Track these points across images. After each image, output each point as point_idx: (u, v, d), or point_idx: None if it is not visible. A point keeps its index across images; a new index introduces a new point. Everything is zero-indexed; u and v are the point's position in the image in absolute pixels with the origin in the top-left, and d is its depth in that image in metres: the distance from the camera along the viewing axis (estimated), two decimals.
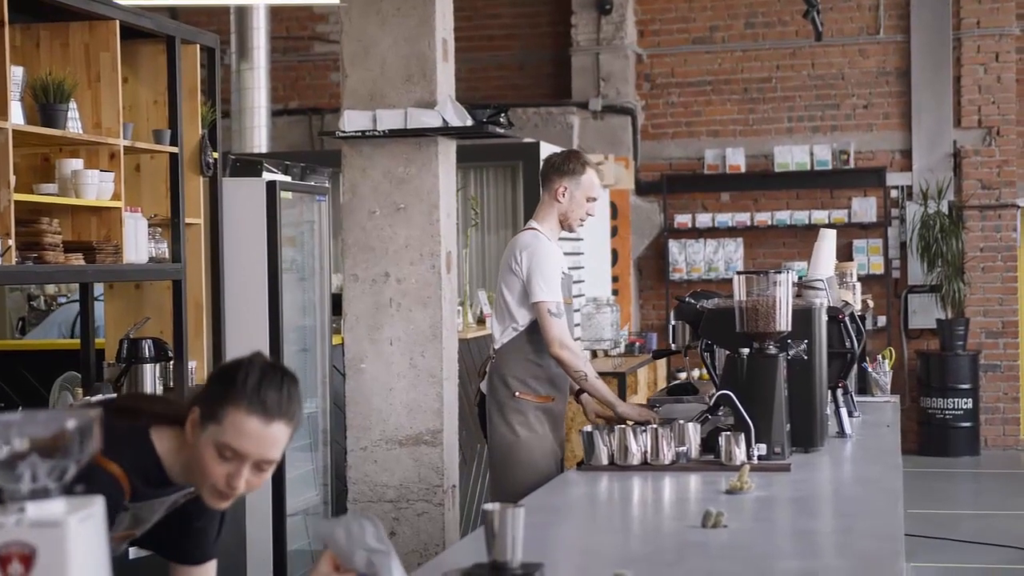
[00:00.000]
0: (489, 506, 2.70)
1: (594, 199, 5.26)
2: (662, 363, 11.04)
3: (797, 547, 3.21)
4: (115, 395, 5.06)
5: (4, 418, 1.75)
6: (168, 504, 2.77)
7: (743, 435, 4.16)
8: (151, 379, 5.37)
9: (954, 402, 12.13)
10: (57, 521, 1.70)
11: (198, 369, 5.82)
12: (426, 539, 5.64)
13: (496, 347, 5.22)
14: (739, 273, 4.41)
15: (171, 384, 5.57)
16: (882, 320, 12.44)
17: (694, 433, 4.27)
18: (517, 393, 5.12)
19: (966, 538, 8.75)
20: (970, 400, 12.15)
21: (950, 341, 12.18)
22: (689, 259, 12.82)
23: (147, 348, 5.39)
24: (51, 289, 8.67)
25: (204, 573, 2.93)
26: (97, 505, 1.76)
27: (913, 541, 8.27)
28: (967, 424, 12.17)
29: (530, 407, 5.12)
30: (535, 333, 5.09)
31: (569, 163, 5.23)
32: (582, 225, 5.34)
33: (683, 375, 10.94)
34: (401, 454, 5.63)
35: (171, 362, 5.55)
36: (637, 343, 10.80)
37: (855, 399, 5.56)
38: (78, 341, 5.81)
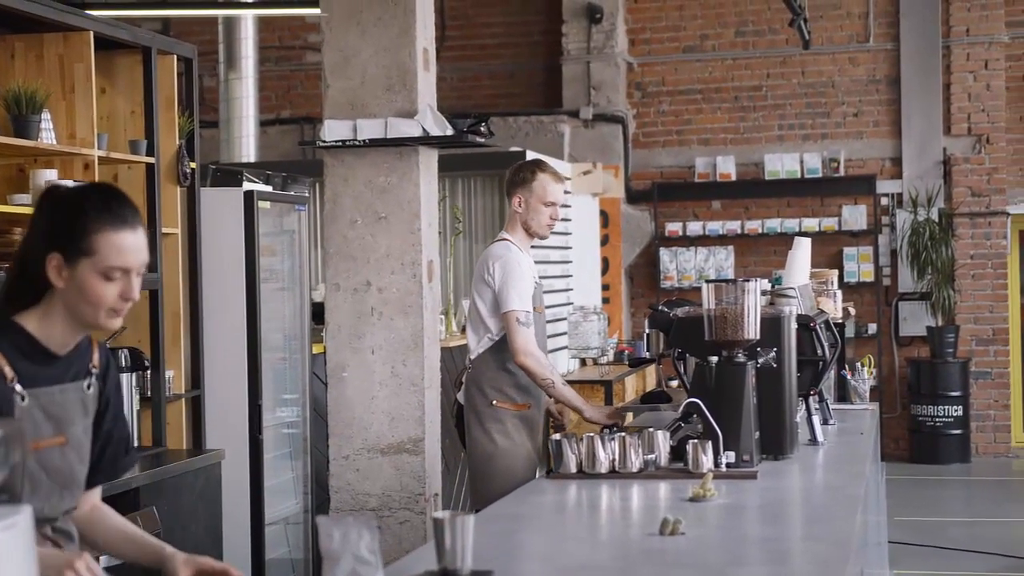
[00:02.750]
0: (438, 514, 2.72)
1: (552, 203, 5.29)
2: (651, 371, 11.03)
3: (750, 554, 3.22)
4: None
5: None
6: (72, 395, 2.76)
7: (711, 443, 4.17)
8: (128, 388, 5.38)
9: (944, 409, 12.13)
10: None
11: (175, 379, 5.83)
12: (408, 547, 5.64)
13: (472, 357, 5.31)
14: (708, 281, 4.42)
15: (148, 394, 5.59)
16: (872, 328, 12.45)
17: (663, 441, 4.28)
18: (494, 402, 5.19)
19: (955, 545, 8.75)
20: (960, 407, 12.15)
21: (940, 348, 12.18)
22: (680, 267, 12.83)
23: (124, 357, 5.39)
24: None
25: (99, 491, 2.97)
26: (23, 514, 1.78)
27: (900, 548, 8.27)
28: (957, 431, 12.17)
29: (508, 415, 5.18)
30: None
31: (519, 173, 5.33)
32: (551, 229, 5.38)
33: (675, 383, 10.93)
34: (383, 462, 5.64)
35: (148, 371, 5.56)
36: (627, 351, 10.80)
37: (832, 407, 5.57)
38: None
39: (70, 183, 2.82)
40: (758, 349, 4.43)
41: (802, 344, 4.83)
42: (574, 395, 5.15)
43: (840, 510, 3.64)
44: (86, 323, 2.72)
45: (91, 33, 5.17)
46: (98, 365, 2.84)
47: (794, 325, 4.65)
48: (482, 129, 5.79)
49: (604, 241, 12.21)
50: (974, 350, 12.47)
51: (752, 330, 4.35)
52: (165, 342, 5.70)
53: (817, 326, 4.96)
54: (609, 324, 10.87)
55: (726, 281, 4.41)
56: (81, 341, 2.80)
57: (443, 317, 7.96)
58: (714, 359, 4.35)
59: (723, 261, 12.75)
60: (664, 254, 12.82)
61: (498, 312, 5.16)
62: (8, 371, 2.63)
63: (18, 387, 2.64)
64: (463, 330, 8.42)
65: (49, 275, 2.67)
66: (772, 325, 4.50)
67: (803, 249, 5.55)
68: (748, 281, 4.38)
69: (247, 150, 10.64)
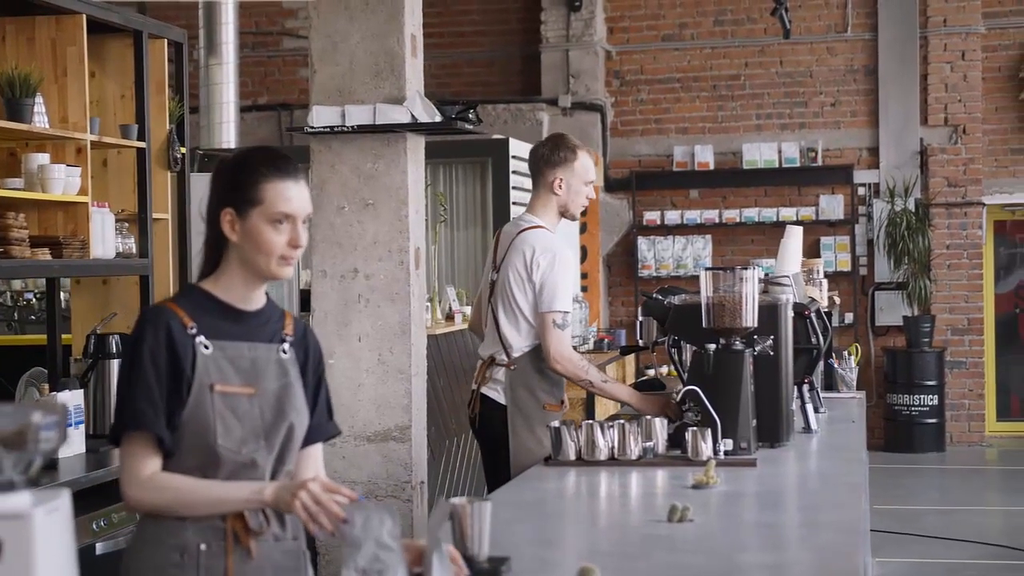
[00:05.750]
0: (457, 500, 2.71)
1: (591, 182, 5.04)
2: (631, 359, 11.07)
3: (761, 541, 3.24)
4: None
5: None
6: (264, 353, 2.90)
7: (709, 430, 4.18)
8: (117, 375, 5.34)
9: (920, 398, 12.21)
10: (22, 513, 1.71)
11: None
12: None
13: (514, 355, 4.96)
14: (707, 269, 4.43)
15: None
16: (849, 317, 12.52)
17: (661, 429, 4.29)
18: (546, 405, 4.96)
19: (931, 533, 8.81)
20: (936, 396, 12.24)
21: (916, 338, 12.26)
22: (658, 256, 12.85)
23: (114, 344, 5.35)
24: (17, 284, 8.62)
25: (314, 453, 3.05)
26: (64, 498, 1.77)
27: (879, 536, 8.33)
28: (933, 420, 12.26)
29: (555, 417, 4.89)
30: None
31: (559, 152, 4.99)
32: (583, 210, 5.14)
33: (651, 371, 10.98)
34: (369, 450, 5.64)
35: None
36: (606, 339, 10.84)
37: (821, 395, 5.59)
38: (44, 337, 5.77)
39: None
40: (755, 337, 4.44)
41: (796, 332, 4.85)
42: (618, 389, 4.91)
43: (844, 497, 3.66)
44: (260, 274, 2.88)
45: (84, 16, 5.13)
46: (292, 333, 2.98)
47: (791, 313, 4.67)
48: (470, 116, 5.78)
49: (582, 229, 12.22)
50: (949, 340, 12.56)
51: (750, 318, 4.36)
52: None
53: (811, 314, 4.98)
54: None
55: (724, 269, 4.41)
56: (272, 309, 2.97)
57: (428, 305, 7.94)
58: (712, 347, 4.36)
59: (701, 250, 12.78)
60: (642, 243, 12.85)
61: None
62: (189, 322, 2.82)
63: (200, 338, 2.82)
64: (448, 318, 8.40)
65: (224, 231, 2.85)
66: (769, 313, 4.51)
67: (795, 237, 5.56)
68: (746, 269, 4.39)
69: (227, 136, 10.57)
